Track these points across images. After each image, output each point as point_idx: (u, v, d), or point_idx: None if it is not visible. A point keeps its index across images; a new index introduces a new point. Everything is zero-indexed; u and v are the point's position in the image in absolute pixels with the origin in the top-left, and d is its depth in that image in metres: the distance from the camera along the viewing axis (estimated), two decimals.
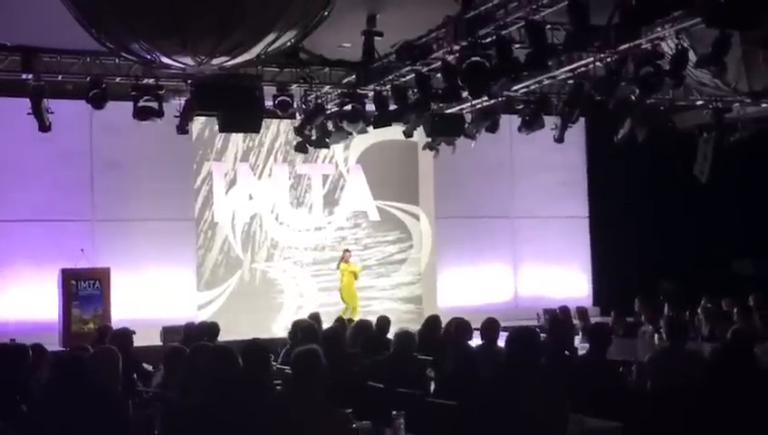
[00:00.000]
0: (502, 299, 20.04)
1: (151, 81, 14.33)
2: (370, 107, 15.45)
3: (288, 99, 15.18)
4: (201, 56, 9.04)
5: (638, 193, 19.68)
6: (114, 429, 5.92)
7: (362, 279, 18.75)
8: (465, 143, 16.79)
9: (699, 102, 16.52)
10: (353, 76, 15.27)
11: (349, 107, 15.32)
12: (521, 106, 16.09)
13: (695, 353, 8.21)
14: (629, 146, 16.44)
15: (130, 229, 17.63)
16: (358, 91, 15.29)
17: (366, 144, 19.63)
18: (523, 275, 20.71)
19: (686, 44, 12.21)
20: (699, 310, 13.48)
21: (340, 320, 12.71)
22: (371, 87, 15.11)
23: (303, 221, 19.69)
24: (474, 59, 11.84)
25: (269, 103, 14.94)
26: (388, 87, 14.88)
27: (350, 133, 16.14)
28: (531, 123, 15.73)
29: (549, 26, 11.89)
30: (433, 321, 10.72)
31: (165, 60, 9.30)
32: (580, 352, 9.40)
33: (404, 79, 14.52)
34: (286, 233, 19.55)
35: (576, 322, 14.06)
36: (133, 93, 14.30)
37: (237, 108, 14.11)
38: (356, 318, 14.94)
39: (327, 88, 15.82)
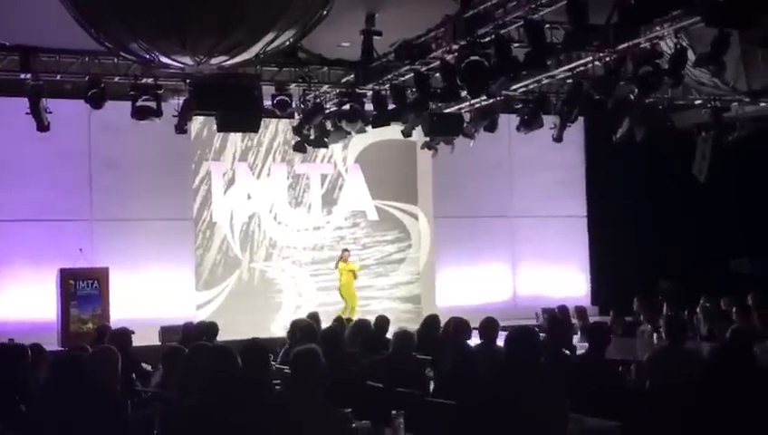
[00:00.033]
0: (500, 298, 20.04)
1: (150, 80, 14.32)
2: (369, 106, 15.45)
3: (287, 98, 15.17)
4: (200, 56, 9.04)
5: (636, 192, 19.68)
6: (113, 428, 5.92)
7: (361, 279, 18.74)
8: (463, 143, 16.78)
9: (698, 102, 16.53)
10: (352, 75, 15.26)
11: (347, 106, 15.31)
12: (519, 105, 16.09)
13: (693, 353, 8.21)
14: (628, 145, 16.45)
15: (129, 229, 17.62)
16: (356, 90, 15.28)
17: (364, 144, 19.62)
18: (522, 275, 20.72)
19: (684, 44, 12.21)
20: (698, 309, 13.48)
21: (338, 319, 12.70)
22: (370, 86, 15.11)
23: (302, 221, 19.69)
24: (472, 58, 11.85)
25: (267, 103, 14.93)
26: (387, 86, 14.88)
27: (349, 133, 16.13)
28: (529, 123, 15.73)
29: (548, 26, 11.91)
30: (432, 320, 10.71)
31: (164, 59, 9.30)
32: (579, 352, 9.42)
33: (403, 78, 14.52)
34: (285, 232, 19.55)
35: (575, 321, 14.07)
36: (132, 93, 14.29)
37: (236, 107, 14.10)
38: (355, 318, 14.93)
39: (326, 87, 15.81)
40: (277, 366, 9.23)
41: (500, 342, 8.27)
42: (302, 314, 13.30)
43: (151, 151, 17.39)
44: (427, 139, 17.18)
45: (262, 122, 15.25)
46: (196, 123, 18.00)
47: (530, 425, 5.53)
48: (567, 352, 8.83)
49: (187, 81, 13.99)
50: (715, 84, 13.55)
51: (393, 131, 16.79)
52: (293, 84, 15.37)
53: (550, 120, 16.08)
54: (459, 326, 9.13)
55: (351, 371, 8.40)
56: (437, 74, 13.54)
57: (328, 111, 16.00)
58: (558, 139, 16.37)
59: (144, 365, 9.80)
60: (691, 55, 12.21)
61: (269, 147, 19.45)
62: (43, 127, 14.38)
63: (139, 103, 14.23)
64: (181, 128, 15.56)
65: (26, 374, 7.29)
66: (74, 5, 8.92)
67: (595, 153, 20.72)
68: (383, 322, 11.14)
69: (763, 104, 15.87)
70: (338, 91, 15.65)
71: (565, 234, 20.85)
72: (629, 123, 16.00)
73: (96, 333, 12.05)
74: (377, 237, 20.28)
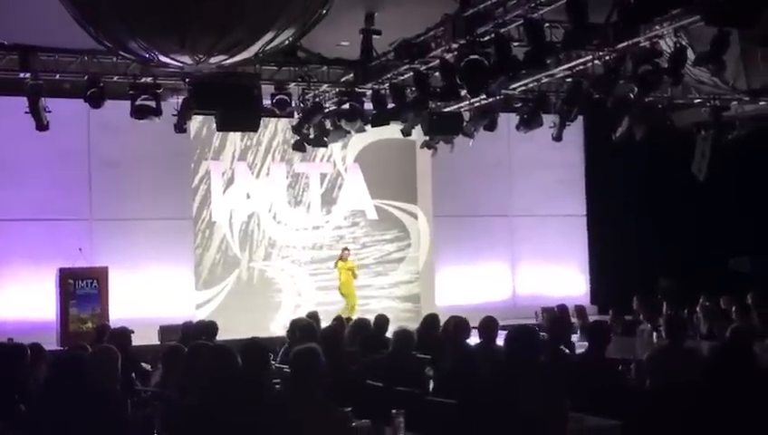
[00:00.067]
0: (500, 298, 20.03)
1: (149, 79, 14.32)
2: (369, 106, 15.44)
3: (286, 97, 15.17)
4: (199, 55, 9.02)
5: (636, 191, 19.68)
6: (113, 428, 5.91)
7: (360, 278, 18.73)
8: (463, 142, 16.78)
9: (697, 101, 16.54)
10: (351, 75, 15.25)
11: (347, 106, 15.29)
12: (519, 104, 16.08)
13: (694, 352, 8.21)
14: (628, 144, 16.44)
15: (128, 228, 17.61)
16: (356, 89, 15.27)
17: (364, 143, 19.61)
18: (521, 274, 20.72)
19: (684, 42, 12.20)
20: (698, 308, 13.47)
21: (338, 319, 12.68)
22: (369, 85, 15.10)
23: (301, 220, 19.68)
24: (472, 57, 11.84)
25: (267, 102, 14.93)
26: (387, 86, 14.86)
27: (349, 132, 16.12)
28: (529, 122, 15.73)
29: (547, 24, 11.90)
30: (431, 319, 10.69)
31: (163, 58, 9.28)
32: (578, 351, 9.40)
33: (402, 77, 14.51)
34: (284, 232, 19.54)
35: (574, 320, 14.06)
36: (131, 92, 14.28)
37: (235, 107, 14.08)
38: (354, 317, 14.92)
39: (325, 86, 15.81)
40: (277, 365, 9.22)
41: (499, 341, 8.27)
42: (302, 314, 13.28)
43: (150, 151, 17.38)
44: (427, 138, 17.19)
45: (261, 121, 15.25)
46: (196, 122, 17.99)
47: (530, 424, 5.53)
48: (566, 350, 8.83)
49: (187, 80, 13.97)
50: (715, 83, 13.53)
51: (392, 130, 16.78)
52: (293, 83, 15.37)
53: (549, 120, 16.07)
54: (459, 325, 9.11)
55: (351, 370, 8.40)
56: (437, 73, 13.51)
57: (327, 110, 16.00)
58: (557, 138, 16.37)
59: (143, 365, 9.79)
60: (691, 54, 12.19)
61: (268, 146, 19.44)
62: (42, 126, 14.37)
63: (139, 102, 14.22)
64: (180, 127, 15.55)
65: (26, 374, 7.28)
66: (73, 4, 8.92)
67: (594, 152, 20.72)
68: (383, 321, 11.12)
69: (762, 103, 15.87)
70: (337, 90, 15.64)
71: (564, 233, 20.85)
72: (629, 122, 15.99)
73: (95, 332, 12.06)
74: (376, 237, 20.27)
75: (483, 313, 9.22)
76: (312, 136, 16.73)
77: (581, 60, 13.55)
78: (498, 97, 15.37)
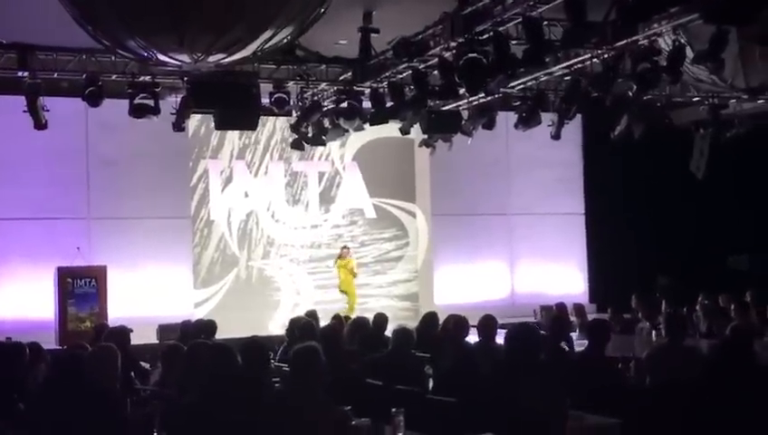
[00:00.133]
0: (498, 296, 20.03)
1: (147, 78, 14.30)
2: (367, 104, 15.43)
3: (284, 96, 15.16)
4: (198, 53, 9.01)
5: (634, 190, 19.68)
6: (112, 427, 5.90)
7: (359, 276, 18.73)
8: (461, 140, 16.77)
9: (696, 99, 16.55)
10: (350, 73, 15.25)
11: (345, 104, 15.28)
12: (517, 103, 16.07)
13: (693, 350, 8.20)
14: (626, 142, 16.45)
15: (127, 227, 17.60)
16: (354, 88, 15.26)
17: (362, 141, 19.61)
18: (520, 272, 20.71)
19: (683, 41, 12.19)
20: (698, 307, 13.47)
21: (337, 317, 12.68)
22: (368, 84, 15.10)
23: (300, 219, 19.68)
24: (471, 55, 11.83)
25: (265, 101, 14.94)
26: (385, 84, 14.85)
27: (347, 130, 16.11)
28: (527, 120, 15.71)
29: (546, 23, 11.90)
30: (430, 318, 10.70)
31: (161, 57, 9.26)
32: (578, 349, 9.40)
33: (401, 76, 14.51)
34: (282, 230, 19.54)
35: (573, 318, 14.05)
36: (129, 91, 14.27)
37: (234, 105, 14.08)
38: (353, 316, 14.92)
39: (323, 85, 15.80)
40: (276, 364, 9.21)
41: (498, 339, 8.28)
42: (300, 312, 13.29)
43: (149, 149, 17.36)
44: (425, 136, 17.18)
45: (259, 120, 15.25)
46: (194, 121, 17.98)
47: (530, 422, 5.52)
48: (567, 348, 8.83)
49: (185, 78, 13.96)
50: (714, 81, 13.52)
51: (391, 129, 16.77)
52: (291, 82, 15.37)
53: (548, 118, 16.06)
54: (459, 324, 9.12)
55: (351, 368, 8.39)
56: (435, 72, 13.51)
57: (326, 108, 15.98)
58: (556, 136, 16.37)
59: (142, 364, 9.78)
60: (689, 52, 12.19)
61: (267, 145, 19.44)
62: (40, 125, 14.36)
63: (137, 101, 14.21)
64: (179, 126, 15.53)
65: (25, 373, 7.26)
66: (72, 3, 8.90)
67: (593, 150, 20.71)
68: (382, 320, 11.10)
69: (760, 101, 15.87)
70: (336, 88, 15.63)
71: (563, 231, 20.85)
72: (628, 120, 15.99)
73: (94, 331, 12.04)
74: (374, 235, 20.27)
75: (481, 311, 9.23)
76: (310, 134, 16.72)
77: (580, 58, 13.55)
78: (497, 95, 15.36)
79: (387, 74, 14.54)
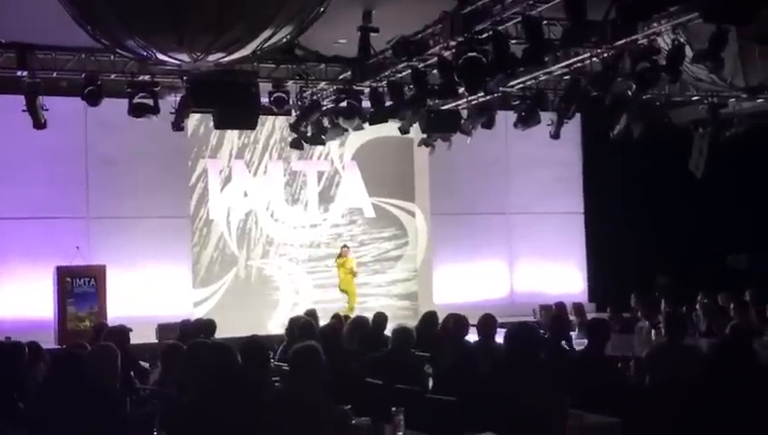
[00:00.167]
0: (498, 295, 20.02)
1: (147, 77, 14.30)
2: (366, 103, 15.43)
3: (284, 95, 15.15)
4: (197, 53, 9.01)
5: (633, 189, 19.68)
6: (112, 426, 5.89)
7: (358, 276, 18.71)
8: (460, 139, 16.77)
9: (695, 98, 16.56)
10: (349, 72, 15.24)
11: (344, 103, 15.28)
12: (517, 102, 16.07)
13: (693, 349, 8.21)
14: (625, 142, 16.45)
15: (126, 226, 17.60)
16: (353, 87, 15.26)
17: (361, 141, 19.60)
18: (519, 272, 20.71)
19: (682, 40, 12.19)
20: (697, 306, 13.47)
21: (336, 316, 12.68)
22: (367, 83, 15.10)
23: (299, 218, 19.67)
24: (470, 55, 11.84)
25: (264, 100, 14.92)
26: (384, 83, 14.85)
27: (346, 130, 16.11)
28: (527, 119, 15.71)
29: (545, 22, 11.91)
30: (430, 317, 10.70)
31: (161, 56, 9.26)
32: (577, 348, 9.40)
33: (400, 75, 14.51)
34: (281, 230, 19.54)
35: (572, 318, 14.06)
36: (128, 90, 14.27)
37: (233, 104, 14.07)
38: (352, 315, 14.92)
39: (323, 84, 15.79)
40: (276, 363, 9.21)
41: (498, 338, 8.28)
42: (299, 312, 13.29)
43: (148, 149, 17.35)
44: (425, 135, 17.18)
45: (259, 119, 15.24)
46: (193, 120, 17.98)
47: (530, 421, 5.52)
48: (567, 347, 8.83)
49: (184, 78, 13.97)
50: (713, 81, 13.53)
51: (390, 128, 16.76)
52: (290, 81, 15.36)
53: (547, 117, 16.08)
54: (459, 323, 9.12)
55: (351, 368, 8.39)
56: (435, 71, 13.51)
57: (325, 108, 15.98)
58: (555, 135, 16.38)
59: (142, 363, 9.78)
60: (689, 52, 12.19)
61: (266, 144, 19.43)
62: (39, 124, 14.36)
63: (136, 100, 14.21)
64: (178, 125, 15.53)
65: (24, 372, 7.26)
66: (71, 3, 8.90)
67: (592, 150, 20.72)
68: (381, 319, 11.09)
69: (760, 100, 15.87)
70: (335, 87, 15.62)
71: (562, 231, 20.85)
72: (627, 120, 15.99)
73: (93, 330, 12.04)
74: (374, 235, 20.26)
75: (480, 310, 9.24)
76: (309, 134, 16.72)
77: (579, 57, 13.55)
78: (496, 94, 15.37)
79: (386, 73, 14.54)
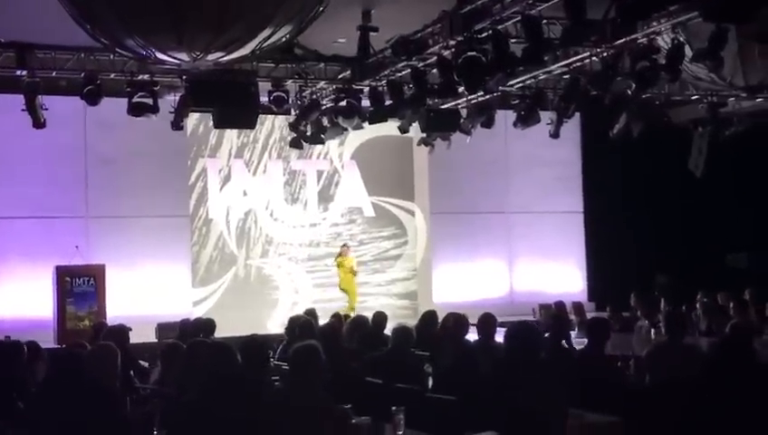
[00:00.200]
0: (497, 295, 20.02)
1: (146, 77, 14.31)
2: (366, 102, 15.43)
3: (283, 94, 15.15)
4: (196, 52, 9.01)
5: (633, 188, 19.68)
6: (112, 425, 5.89)
7: (358, 275, 18.70)
8: (460, 139, 16.77)
9: (695, 97, 16.55)
10: (348, 72, 15.24)
11: (344, 102, 15.27)
12: (516, 101, 16.07)
13: (693, 348, 8.21)
14: (625, 141, 16.45)
15: (125, 226, 17.60)
16: (353, 86, 15.26)
17: (361, 140, 19.59)
18: (519, 271, 20.70)
19: (682, 39, 12.19)
20: (697, 305, 13.47)
21: (336, 316, 12.68)
22: (367, 82, 15.09)
23: (298, 217, 19.66)
24: (469, 54, 11.84)
25: (264, 99, 14.92)
26: (384, 82, 14.84)
27: (346, 129, 16.10)
28: (526, 118, 15.71)
29: (545, 21, 11.90)
30: (429, 316, 10.70)
31: (160, 55, 9.26)
32: (577, 348, 9.40)
33: (399, 74, 14.50)
34: (281, 229, 19.53)
35: (572, 317, 14.06)
36: (128, 89, 14.27)
37: (232, 104, 14.07)
38: (352, 314, 14.91)
39: (322, 83, 15.79)
40: (275, 363, 9.21)
41: (498, 338, 8.28)
42: (299, 311, 13.28)
43: (147, 148, 17.35)
44: (424, 135, 17.18)
45: (258, 119, 15.24)
46: (193, 120, 17.96)
47: (530, 420, 5.52)
48: (566, 346, 8.83)
49: (184, 77, 13.97)
50: (712, 80, 13.53)
51: (390, 127, 16.74)
52: (290, 80, 15.35)
53: (546, 116, 16.08)
54: (459, 322, 9.12)
55: (351, 367, 8.39)
56: (434, 70, 13.51)
57: (324, 107, 15.98)
58: (555, 135, 16.38)
59: (141, 362, 9.78)
60: (688, 51, 12.19)
61: (265, 143, 19.42)
62: (38, 124, 14.36)
63: (136, 100, 14.21)
64: (177, 124, 15.53)
65: (23, 372, 7.25)
66: (71, 2, 8.90)
67: (592, 149, 20.71)
68: (381, 318, 11.09)
69: (759, 99, 15.88)
70: (334, 87, 15.62)
71: (562, 230, 20.85)
72: (626, 119, 16.00)
73: (93, 330, 12.03)
74: (373, 234, 20.26)
75: (480, 310, 9.24)
76: (309, 133, 16.71)
77: (579, 56, 13.56)
78: (495, 94, 15.37)
79: (386, 73, 14.53)
